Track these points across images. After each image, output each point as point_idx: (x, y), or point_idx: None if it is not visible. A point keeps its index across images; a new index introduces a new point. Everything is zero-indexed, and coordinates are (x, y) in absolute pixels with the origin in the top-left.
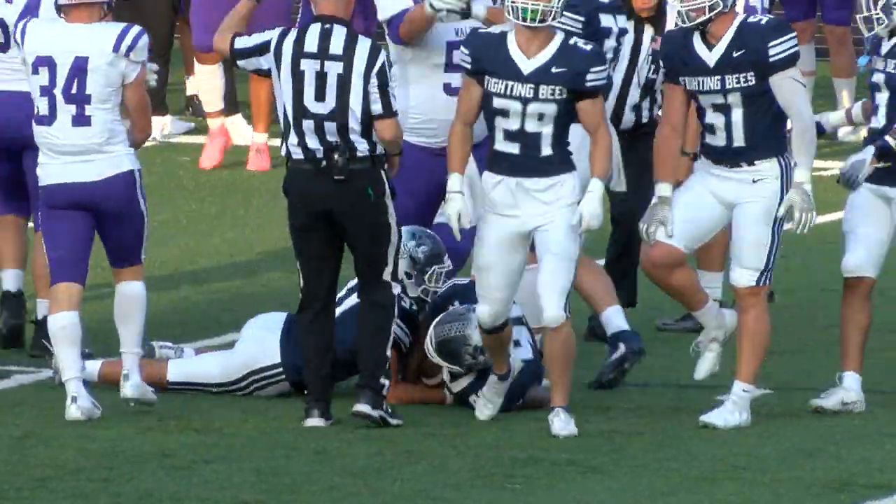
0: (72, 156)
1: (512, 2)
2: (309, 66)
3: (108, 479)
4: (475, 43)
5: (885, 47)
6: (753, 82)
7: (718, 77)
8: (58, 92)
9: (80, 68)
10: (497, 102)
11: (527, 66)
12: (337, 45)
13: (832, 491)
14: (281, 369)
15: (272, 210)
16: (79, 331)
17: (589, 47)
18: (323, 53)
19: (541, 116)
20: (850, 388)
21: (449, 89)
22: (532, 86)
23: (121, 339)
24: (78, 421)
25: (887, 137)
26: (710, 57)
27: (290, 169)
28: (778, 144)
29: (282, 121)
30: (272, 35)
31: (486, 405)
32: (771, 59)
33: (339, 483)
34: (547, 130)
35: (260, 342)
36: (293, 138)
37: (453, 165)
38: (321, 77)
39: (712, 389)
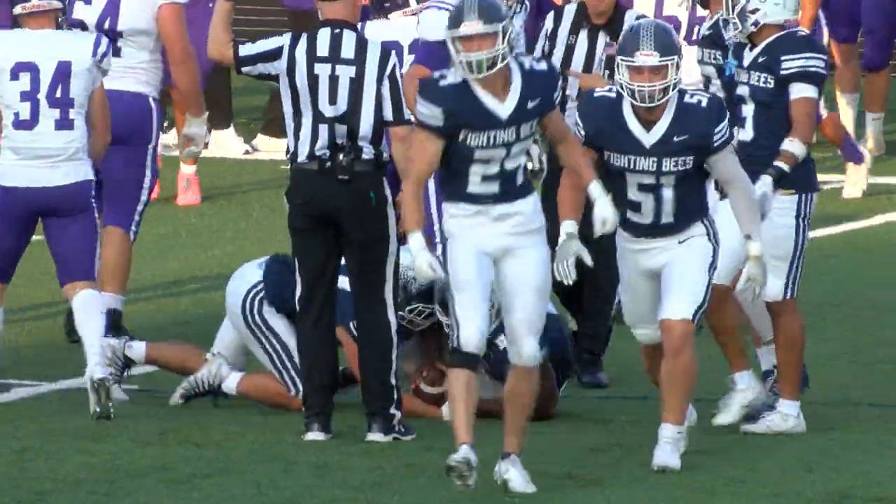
0: (44, 159)
1: (459, 59)
2: (322, 70)
3: (108, 493)
4: (447, 102)
5: (747, 58)
6: (690, 166)
7: (654, 159)
8: (42, 97)
9: (63, 73)
10: (479, 154)
11: (503, 110)
12: (348, 49)
13: None
14: (263, 285)
15: (272, 223)
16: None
17: (544, 65)
18: (335, 57)
19: (519, 153)
20: (746, 388)
21: None
22: (514, 129)
23: (86, 340)
24: (78, 434)
25: (779, 163)
26: (648, 138)
27: (295, 171)
28: (703, 210)
29: (290, 125)
30: (283, 41)
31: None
32: (715, 145)
33: (339, 496)
34: (521, 163)
35: (239, 279)
36: (302, 141)
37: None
38: (333, 80)
39: (711, 403)
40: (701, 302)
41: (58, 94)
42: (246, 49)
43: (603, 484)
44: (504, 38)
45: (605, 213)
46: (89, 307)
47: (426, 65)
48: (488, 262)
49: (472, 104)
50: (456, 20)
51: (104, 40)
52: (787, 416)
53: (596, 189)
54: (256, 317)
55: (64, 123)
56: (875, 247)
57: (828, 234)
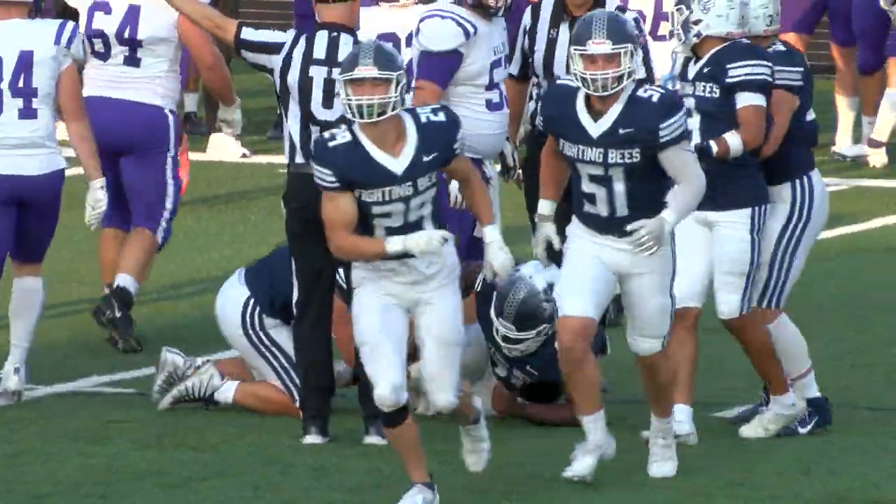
0: (13, 149)
1: (348, 101)
2: (317, 73)
3: (104, 495)
4: (337, 163)
5: (692, 71)
6: (638, 159)
7: (601, 150)
8: (4, 86)
9: (25, 62)
10: (377, 209)
11: (396, 165)
12: (345, 52)
13: None
14: (253, 298)
15: (270, 226)
16: None
17: (442, 116)
18: (331, 61)
19: (422, 204)
20: (679, 420)
21: (490, 105)
22: (410, 184)
23: (13, 332)
24: (75, 437)
25: (710, 141)
26: (595, 129)
27: (291, 174)
28: (661, 206)
29: (285, 127)
30: (285, 38)
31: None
32: (661, 140)
33: (336, 499)
34: (427, 212)
35: (225, 300)
36: (297, 143)
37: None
38: (329, 84)
39: (708, 407)
40: (669, 328)
41: (20, 84)
42: (249, 33)
43: (599, 486)
44: (397, 87)
45: (492, 258)
46: (29, 298)
47: (436, 80)
48: (398, 313)
49: (363, 162)
50: (351, 64)
51: (69, 25)
52: (782, 408)
53: (490, 233)
54: (260, 333)
55: (27, 113)
56: (872, 249)
57: (824, 238)
